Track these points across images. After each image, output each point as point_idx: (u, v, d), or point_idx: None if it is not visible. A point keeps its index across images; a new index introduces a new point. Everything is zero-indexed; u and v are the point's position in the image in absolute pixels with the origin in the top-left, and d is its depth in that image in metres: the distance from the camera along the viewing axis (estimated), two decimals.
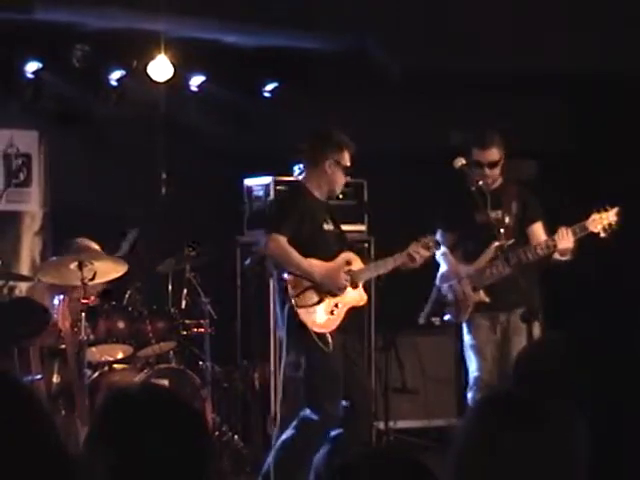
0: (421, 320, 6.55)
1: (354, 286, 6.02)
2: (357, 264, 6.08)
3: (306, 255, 5.83)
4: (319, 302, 5.86)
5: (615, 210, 6.17)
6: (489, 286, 6.32)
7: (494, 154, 6.35)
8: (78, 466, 1.90)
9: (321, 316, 5.85)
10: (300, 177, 6.14)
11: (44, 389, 6.57)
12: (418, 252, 6.11)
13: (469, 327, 6.45)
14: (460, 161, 6.10)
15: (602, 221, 6.14)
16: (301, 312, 5.76)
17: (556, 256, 6.20)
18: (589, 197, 6.64)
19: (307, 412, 5.82)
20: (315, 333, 5.76)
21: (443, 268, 6.53)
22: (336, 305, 5.92)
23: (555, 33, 7.41)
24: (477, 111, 8.03)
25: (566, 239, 6.13)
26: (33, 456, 1.79)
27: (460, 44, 7.48)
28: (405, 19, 7.40)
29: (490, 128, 6.55)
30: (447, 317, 6.48)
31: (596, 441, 2.09)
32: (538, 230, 6.40)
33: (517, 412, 2.05)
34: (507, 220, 6.34)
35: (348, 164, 6.10)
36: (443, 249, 6.53)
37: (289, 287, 5.78)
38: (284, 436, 5.88)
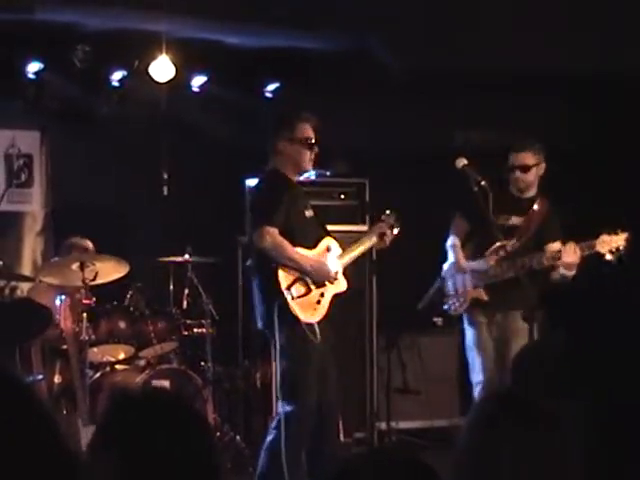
0: (420, 306, 6.58)
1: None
2: (336, 249, 6.04)
3: (293, 245, 5.80)
4: (307, 293, 5.83)
5: (625, 235, 6.18)
6: (489, 285, 6.35)
7: (527, 158, 6.43)
8: (81, 467, 1.91)
9: (310, 307, 5.82)
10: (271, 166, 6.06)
11: (46, 389, 6.58)
12: (384, 232, 6.13)
13: (469, 323, 6.50)
14: (462, 161, 6.11)
15: (610, 244, 6.17)
16: (292, 305, 5.73)
17: (561, 270, 6.24)
18: (589, 197, 6.66)
19: (282, 408, 5.78)
20: (305, 324, 5.74)
21: (450, 260, 6.55)
22: (322, 294, 5.88)
23: (555, 33, 7.41)
24: (477, 111, 8.03)
25: (571, 254, 6.17)
26: (36, 456, 1.79)
27: (460, 44, 7.48)
28: (406, 19, 7.40)
29: (492, 128, 6.60)
30: (445, 307, 6.53)
31: (594, 438, 2.10)
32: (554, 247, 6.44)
33: (513, 412, 2.05)
34: (526, 231, 6.38)
35: (307, 136, 5.94)
36: (452, 240, 6.56)
37: (280, 280, 5.75)
38: (268, 437, 5.84)
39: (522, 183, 6.47)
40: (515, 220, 6.46)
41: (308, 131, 5.97)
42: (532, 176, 6.47)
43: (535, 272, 6.25)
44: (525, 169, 6.43)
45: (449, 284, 6.53)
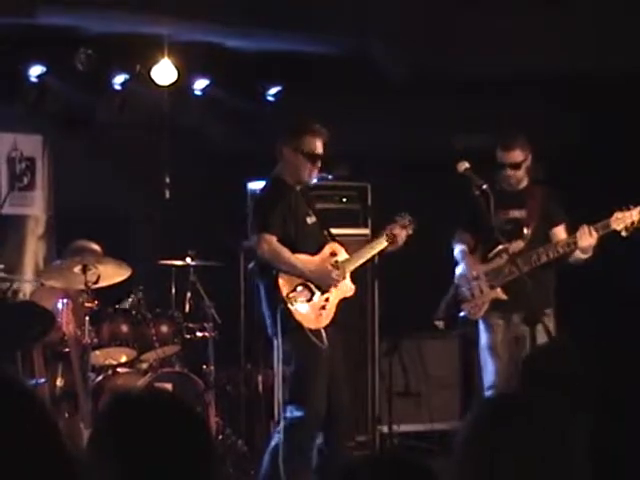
0: (439, 315, 6.53)
1: (342, 277, 5.99)
2: (342, 254, 6.02)
3: (293, 251, 5.79)
4: (310, 299, 5.82)
5: (638, 209, 6.17)
6: (507, 285, 6.32)
7: (517, 155, 6.44)
8: (81, 469, 1.90)
9: (314, 313, 5.80)
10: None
11: (48, 392, 6.58)
12: (397, 233, 6.12)
13: (485, 327, 6.46)
14: (463, 165, 6.10)
15: (625, 220, 6.16)
16: (295, 311, 5.73)
17: (577, 254, 6.24)
18: (590, 197, 6.66)
19: (289, 412, 5.76)
20: (310, 330, 5.73)
21: (461, 266, 6.54)
22: (327, 300, 5.86)
23: (555, 33, 7.41)
24: (478, 113, 8.02)
25: (588, 237, 6.15)
26: (35, 458, 1.79)
27: (460, 45, 7.48)
28: (406, 23, 7.40)
29: (514, 129, 6.62)
30: (463, 313, 6.48)
31: (599, 439, 2.09)
32: (560, 232, 6.44)
33: (513, 412, 2.05)
34: (530, 222, 6.39)
35: (311, 150, 5.94)
36: (461, 246, 6.56)
37: (281, 287, 5.74)
38: (273, 442, 5.83)
39: (514, 179, 6.49)
40: (515, 213, 6.46)
41: (314, 145, 5.96)
42: (522, 171, 6.49)
43: (550, 263, 6.27)
44: (516, 166, 6.45)
45: (464, 290, 6.49)
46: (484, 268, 6.43)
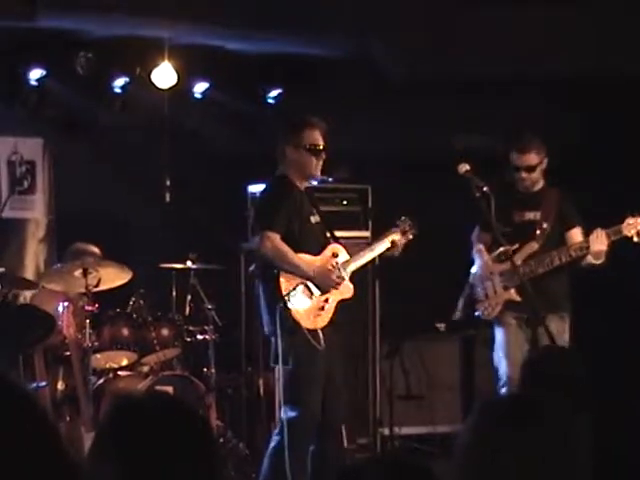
0: (456, 316, 6.57)
1: (342, 279, 5.97)
2: (343, 256, 6.01)
3: (295, 250, 5.78)
4: (310, 299, 5.81)
5: None
6: (521, 286, 6.32)
7: (532, 158, 6.47)
8: (82, 473, 1.90)
9: (312, 313, 5.79)
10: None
11: (49, 396, 6.58)
12: (397, 239, 6.12)
13: (499, 326, 6.49)
14: (464, 167, 6.09)
15: (637, 226, 6.17)
16: (294, 311, 5.72)
17: (589, 259, 6.25)
18: (590, 198, 6.67)
19: (285, 413, 5.75)
20: (308, 330, 5.72)
21: (477, 265, 6.56)
22: (326, 300, 5.85)
23: (555, 33, 7.41)
24: (478, 112, 8.02)
25: (600, 241, 6.17)
26: (36, 461, 1.79)
27: (460, 45, 7.48)
28: (407, 22, 7.40)
29: (529, 131, 6.63)
30: (478, 313, 6.51)
31: (599, 440, 2.09)
32: (576, 235, 6.45)
33: (513, 410, 2.04)
34: (545, 224, 6.41)
35: (314, 143, 5.91)
36: (479, 245, 6.58)
37: (282, 286, 5.73)
38: (272, 443, 5.83)
39: (528, 181, 6.53)
40: (530, 215, 6.49)
41: (314, 137, 5.94)
42: (537, 173, 6.52)
43: (562, 266, 6.29)
44: (531, 169, 6.47)
45: (479, 290, 6.52)
46: (499, 268, 6.45)
